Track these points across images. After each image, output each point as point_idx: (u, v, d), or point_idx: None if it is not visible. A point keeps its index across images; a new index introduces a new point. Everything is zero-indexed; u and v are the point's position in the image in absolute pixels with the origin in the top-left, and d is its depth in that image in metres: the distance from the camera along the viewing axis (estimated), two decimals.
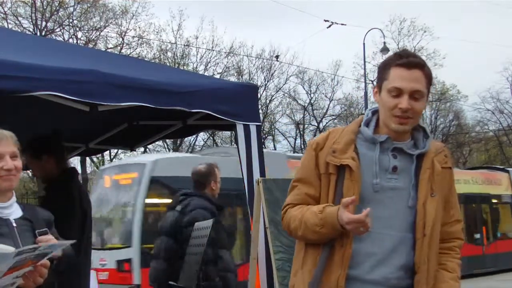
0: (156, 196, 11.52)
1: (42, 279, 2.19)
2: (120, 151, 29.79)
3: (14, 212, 2.44)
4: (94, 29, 27.64)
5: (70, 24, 27.08)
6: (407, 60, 2.22)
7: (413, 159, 2.27)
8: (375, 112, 2.35)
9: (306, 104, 36.26)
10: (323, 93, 36.48)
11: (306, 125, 36.65)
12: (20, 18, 25.94)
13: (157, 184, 11.41)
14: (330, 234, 2.18)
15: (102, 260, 10.71)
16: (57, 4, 26.27)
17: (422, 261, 2.22)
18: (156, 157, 12.87)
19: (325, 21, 27.89)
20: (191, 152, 34.16)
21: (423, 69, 2.23)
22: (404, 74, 2.20)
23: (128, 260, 10.66)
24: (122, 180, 11.91)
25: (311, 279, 2.21)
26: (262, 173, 3.99)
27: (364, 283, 2.20)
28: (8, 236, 2.33)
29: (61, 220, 3.88)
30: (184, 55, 30.30)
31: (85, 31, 27.50)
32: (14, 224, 2.38)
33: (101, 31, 27.80)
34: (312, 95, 36.35)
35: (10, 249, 2.03)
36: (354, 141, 2.27)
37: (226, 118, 3.77)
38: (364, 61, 29.03)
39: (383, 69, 2.28)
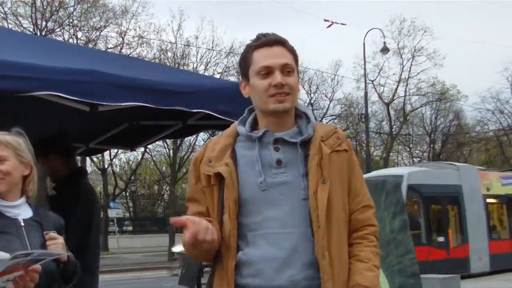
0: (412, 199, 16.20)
1: (33, 284, 2.17)
2: (120, 150, 29.83)
3: (23, 212, 2.44)
4: (94, 29, 27.66)
5: (70, 24, 27.10)
6: (266, 38, 2.13)
7: (297, 147, 2.11)
8: (251, 110, 2.22)
9: (306, 104, 36.29)
10: (323, 93, 36.52)
11: None
12: (20, 18, 25.98)
13: (412, 190, 15.94)
14: (200, 251, 2.03)
15: None
16: (57, 4, 26.28)
17: (320, 255, 2.02)
18: (409, 169, 17.58)
19: (325, 21, 27.98)
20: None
21: (284, 44, 2.14)
22: (267, 52, 2.10)
23: None
24: None
25: None
26: None
27: None
28: (15, 235, 2.34)
29: (67, 218, 4.00)
30: (184, 55, 30.33)
31: (85, 31, 27.54)
32: (22, 224, 2.39)
33: (101, 31, 27.84)
34: (312, 95, 36.34)
35: (5, 255, 2.03)
36: (232, 144, 2.13)
37: (226, 118, 3.77)
38: (364, 61, 29.07)
39: (244, 59, 2.17)
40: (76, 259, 2.49)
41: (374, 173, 19.30)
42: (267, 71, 2.09)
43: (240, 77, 2.32)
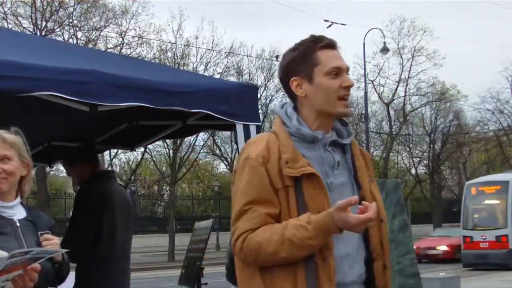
0: None
1: (32, 283, 2.16)
2: (120, 150, 29.84)
3: (18, 213, 2.44)
4: (94, 29, 27.64)
5: (70, 24, 27.08)
6: (329, 41, 2.19)
7: (345, 149, 2.21)
8: (295, 108, 2.23)
9: None
10: None
11: None
12: (20, 18, 25.95)
13: None
14: (319, 246, 2.03)
15: (482, 235, 18.95)
16: (57, 4, 26.26)
17: (385, 246, 2.19)
18: None
19: (325, 21, 27.96)
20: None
21: (338, 49, 2.22)
22: (333, 54, 2.17)
23: (505, 235, 18.62)
24: (487, 190, 20.00)
25: None
26: None
27: (345, 285, 2.10)
28: (12, 235, 2.33)
29: (75, 219, 4.16)
30: (184, 55, 30.31)
31: (85, 31, 27.51)
32: (18, 224, 2.39)
33: (101, 31, 27.81)
34: None
35: (3, 253, 2.02)
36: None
37: (226, 118, 3.77)
38: (364, 61, 29.10)
39: (306, 57, 2.16)
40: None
41: (480, 179, 22.54)
42: (337, 72, 2.14)
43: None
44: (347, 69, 2.18)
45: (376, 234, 2.17)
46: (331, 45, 2.18)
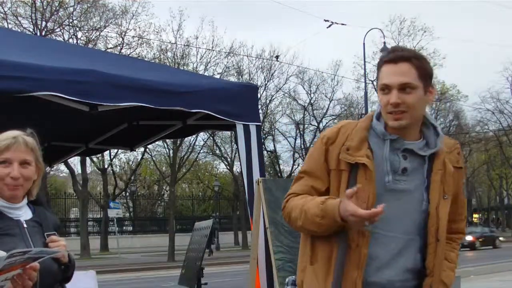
0: None
1: (31, 282, 2.16)
2: (120, 150, 29.84)
3: (24, 213, 2.44)
4: (94, 29, 27.66)
5: (70, 24, 27.09)
6: (394, 54, 2.19)
7: (425, 160, 2.22)
8: None
9: (306, 104, 36.30)
10: (323, 93, 36.51)
11: (306, 125, 36.64)
12: (20, 18, 25.97)
13: None
14: (330, 227, 2.13)
15: None
16: (57, 4, 26.28)
17: (436, 265, 2.23)
18: None
19: (325, 21, 27.91)
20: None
21: (410, 61, 2.16)
22: (391, 69, 2.17)
23: None
24: None
25: (331, 279, 2.15)
26: (262, 173, 3.98)
27: (368, 285, 2.15)
28: (19, 237, 2.33)
29: None
30: (184, 55, 30.32)
31: (85, 31, 27.52)
32: (25, 225, 2.38)
33: (101, 31, 27.83)
34: (312, 95, 36.30)
35: (2, 253, 2.02)
36: (367, 138, 2.21)
37: (226, 118, 3.78)
38: (364, 61, 29.03)
39: (377, 69, 2.26)
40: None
41: None
42: (387, 88, 2.19)
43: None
44: (399, 84, 2.14)
45: (433, 252, 2.22)
46: (393, 59, 2.19)
